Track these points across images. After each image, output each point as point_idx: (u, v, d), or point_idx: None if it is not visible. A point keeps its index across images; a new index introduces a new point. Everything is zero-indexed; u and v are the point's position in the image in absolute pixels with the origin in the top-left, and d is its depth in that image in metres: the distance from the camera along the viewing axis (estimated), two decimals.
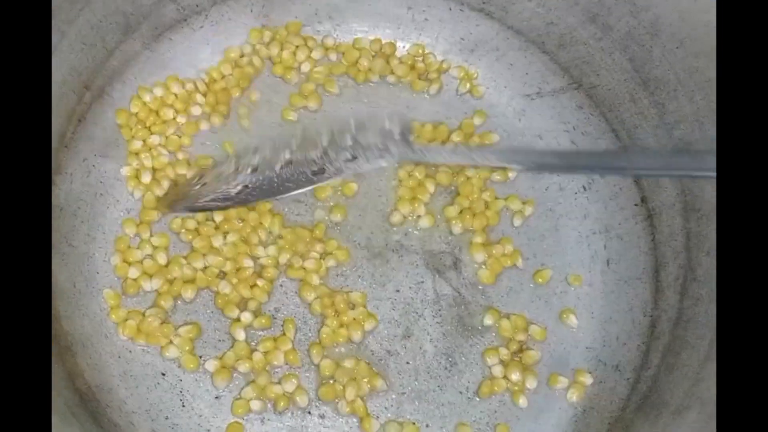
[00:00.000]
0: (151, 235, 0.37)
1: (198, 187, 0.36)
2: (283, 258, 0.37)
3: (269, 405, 0.35)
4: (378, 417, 0.35)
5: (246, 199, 0.34)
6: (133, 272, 0.36)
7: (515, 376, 0.36)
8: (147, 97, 0.39)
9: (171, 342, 0.35)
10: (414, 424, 0.35)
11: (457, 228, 0.38)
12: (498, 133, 0.40)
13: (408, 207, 0.38)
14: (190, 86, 0.39)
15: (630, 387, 0.35)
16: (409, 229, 0.38)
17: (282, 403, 0.35)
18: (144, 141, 0.39)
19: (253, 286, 0.36)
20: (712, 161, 0.26)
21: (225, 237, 0.37)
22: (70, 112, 0.37)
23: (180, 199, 0.36)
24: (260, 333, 0.36)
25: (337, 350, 0.36)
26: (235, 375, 0.35)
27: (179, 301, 0.36)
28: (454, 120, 0.40)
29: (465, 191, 0.39)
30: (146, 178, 0.38)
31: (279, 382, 0.35)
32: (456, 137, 0.40)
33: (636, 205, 0.38)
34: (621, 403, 0.35)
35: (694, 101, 0.34)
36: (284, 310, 0.37)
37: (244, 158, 0.35)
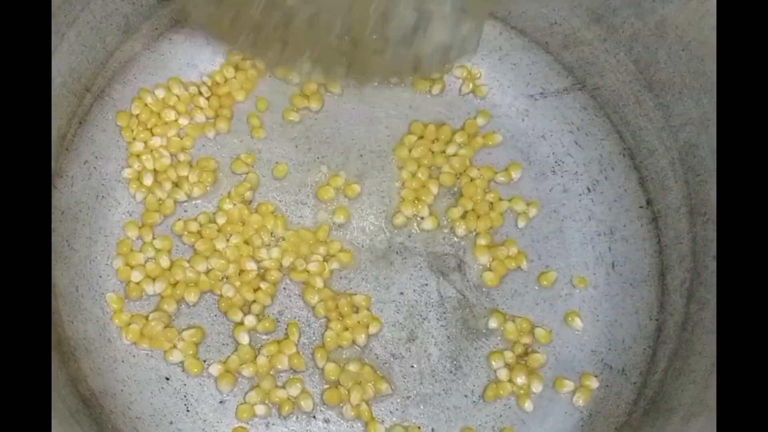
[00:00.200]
0: (154, 238, 0.37)
1: None
2: (286, 261, 0.37)
3: (274, 409, 0.35)
4: (383, 421, 0.35)
5: None
6: (136, 275, 0.36)
7: (520, 380, 0.35)
8: (148, 99, 0.39)
9: (174, 346, 0.35)
10: (419, 428, 0.35)
11: (460, 230, 0.38)
12: (501, 133, 0.40)
13: (411, 209, 0.38)
14: (193, 89, 0.39)
15: (637, 391, 0.35)
16: (413, 231, 0.38)
17: (286, 408, 0.34)
18: (145, 143, 0.38)
19: (257, 289, 0.36)
20: None
21: (228, 239, 0.37)
22: (70, 115, 0.37)
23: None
24: (264, 337, 0.36)
25: (341, 354, 0.36)
26: (239, 379, 0.35)
27: (182, 305, 0.36)
28: (457, 120, 0.40)
29: (468, 193, 0.38)
30: (148, 181, 0.38)
31: (283, 386, 0.35)
32: (459, 138, 0.39)
33: (641, 207, 0.38)
34: (628, 407, 0.35)
35: (701, 104, 0.34)
36: (288, 314, 0.36)
37: None
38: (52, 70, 0.34)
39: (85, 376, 0.34)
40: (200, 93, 0.39)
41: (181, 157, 0.38)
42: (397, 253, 0.38)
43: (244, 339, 0.35)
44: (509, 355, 0.36)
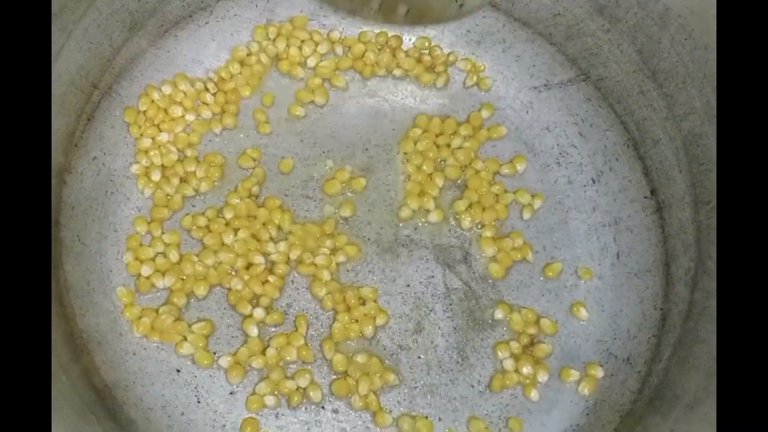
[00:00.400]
0: (163, 233, 0.37)
1: None
2: (294, 254, 0.37)
3: (283, 400, 0.35)
4: (391, 411, 0.35)
5: None
6: (146, 270, 0.37)
7: (526, 370, 0.36)
8: (155, 95, 0.39)
9: (185, 339, 0.36)
10: (427, 417, 0.35)
11: (466, 222, 0.38)
12: (506, 125, 0.40)
13: (417, 201, 0.38)
14: (199, 85, 0.39)
15: (641, 380, 0.35)
16: (419, 224, 0.38)
17: (296, 398, 0.35)
18: (153, 139, 0.39)
19: (265, 282, 0.37)
20: None
21: (235, 234, 0.37)
22: (78, 111, 0.37)
23: None
24: (272, 329, 0.36)
25: (349, 345, 0.36)
26: (248, 371, 0.36)
27: (192, 298, 0.37)
28: (461, 113, 0.40)
29: (474, 185, 0.39)
30: (156, 176, 0.38)
31: (292, 378, 0.35)
32: (464, 130, 0.40)
33: (645, 197, 0.38)
34: (632, 396, 0.35)
35: (704, 93, 0.34)
36: (296, 306, 0.37)
37: None
38: (60, 67, 0.35)
39: (98, 368, 0.35)
40: (206, 89, 0.39)
41: (188, 152, 0.39)
42: (403, 245, 0.38)
43: (254, 331, 0.36)
44: (515, 346, 0.36)
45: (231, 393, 0.35)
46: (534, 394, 0.36)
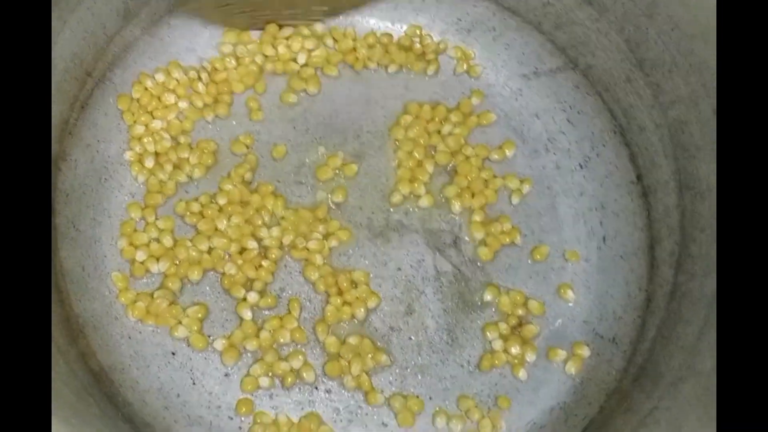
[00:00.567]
0: (156, 219, 0.38)
1: None
2: (287, 239, 0.38)
3: (277, 381, 0.36)
4: (383, 391, 0.36)
5: None
6: (140, 255, 0.37)
7: (515, 350, 0.37)
8: (148, 83, 0.39)
9: (180, 322, 0.36)
10: (417, 397, 0.36)
11: (456, 207, 0.39)
12: (495, 112, 0.41)
13: (408, 187, 0.39)
14: (192, 74, 0.40)
15: (626, 359, 0.36)
16: (410, 209, 0.39)
17: (289, 379, 0.36)
18: (146, 126, 0.39)
19: (258, 266, 0.37)
20: None
21: (229, 219, 0.38)
22: (72, 99, 0.38)
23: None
24: (266, 312, 0.37)
25: (341, 327, 0.37)
26: (243, 353, 0.36)
27: (186, 283, 0.37)
28: (451, 100, 0.41)
29: (464, 171, 0.39)
30: (149, 163, 0.38)
31: (286, 359, 0.36)
32: (454, 117, 0.40)
33: (632, 182, 0.39)
34: (618, 374, 0.36)
35: (690, 82, 0.35)
36: (289, 290, 0.37)
37: None
38: (55, 56, 0.35)
39: (94, 352, 0.36)
40: (199, 78, 0.40)
41: (182, 139, 0.39)
42: (394, 230, 0.39)
43: (247, 315, 0.36)
44: (504, 327, 0.37)
45: (226, 375, 0.36)
46: (522, 374, 0.37)
